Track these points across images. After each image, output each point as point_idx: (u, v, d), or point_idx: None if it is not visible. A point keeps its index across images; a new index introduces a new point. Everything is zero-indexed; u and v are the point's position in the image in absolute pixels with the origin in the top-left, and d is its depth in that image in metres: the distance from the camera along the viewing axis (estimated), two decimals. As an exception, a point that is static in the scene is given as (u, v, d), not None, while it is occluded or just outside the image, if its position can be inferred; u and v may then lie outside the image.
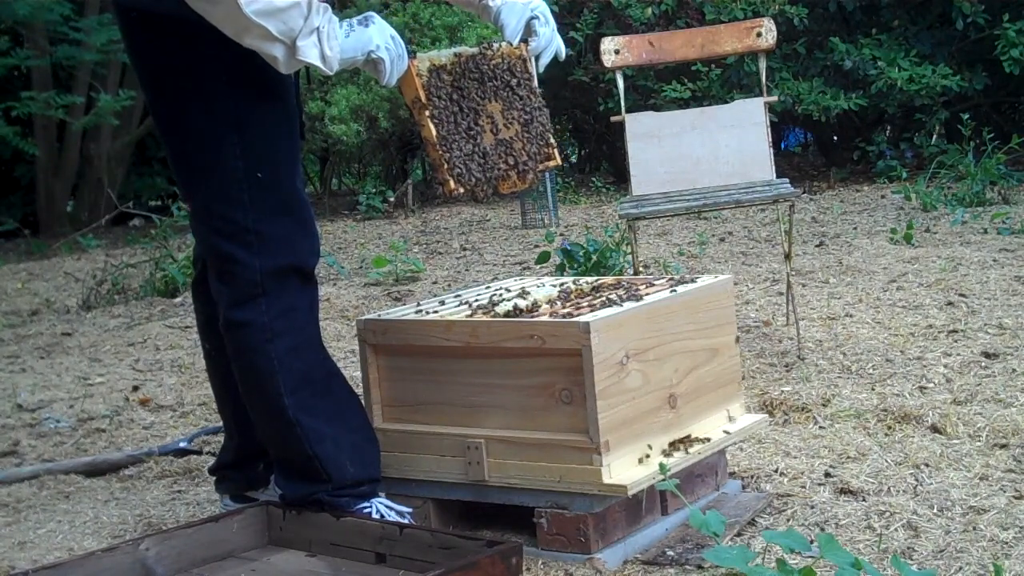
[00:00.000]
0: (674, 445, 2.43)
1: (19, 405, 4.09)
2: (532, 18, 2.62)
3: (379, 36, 2.31)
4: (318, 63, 2.24)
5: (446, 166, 2.43)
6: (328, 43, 2.24)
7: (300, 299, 2.41)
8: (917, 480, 2.58)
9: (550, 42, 2.64)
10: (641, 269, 4.41)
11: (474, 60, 2.54)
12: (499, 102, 2.57)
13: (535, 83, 2.64)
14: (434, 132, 2.42)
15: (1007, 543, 2.22)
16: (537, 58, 2.64)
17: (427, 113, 2.42)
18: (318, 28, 2.22)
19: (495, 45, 2.59)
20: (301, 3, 2.18)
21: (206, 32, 2.27)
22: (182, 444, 3.35)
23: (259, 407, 2.44)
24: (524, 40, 2.62)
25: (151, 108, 2.47)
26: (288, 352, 2.38)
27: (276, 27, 2.17)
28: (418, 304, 2.70)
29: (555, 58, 2.68)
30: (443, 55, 2.50)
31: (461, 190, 2.46)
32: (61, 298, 6.80)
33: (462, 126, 2.48)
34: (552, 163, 2.66)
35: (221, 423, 3.52)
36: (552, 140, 2.67)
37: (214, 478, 2.75)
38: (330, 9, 2.27)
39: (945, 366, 3.43)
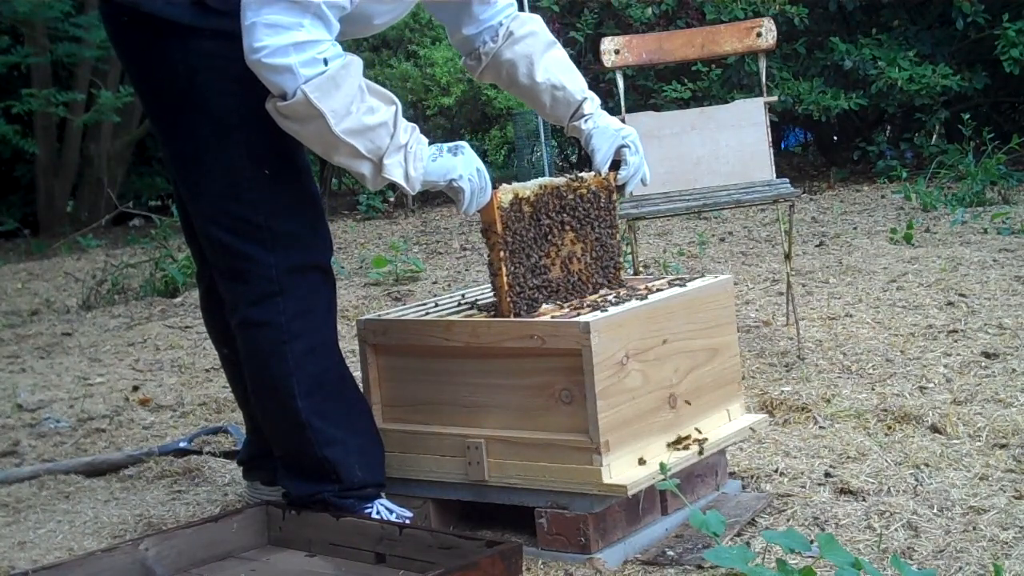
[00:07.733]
0: (674, 445, 2.43)
1: (19, 405, 4.09)
2: (623, 146, 2.62)
3: (464, 167, 2.34)
4: (401, 182, 2.27)
5: (507, 299, 2.41)
6: (413, 163, 2.27)
7: (318, 299, 2.41)
8: (917, 480, 2.58)
9: (638, 170, 2.64)
10: (641, 269, 4.41)
11: (558, 191, 2.51)
12: (574, 232, 2.54)
13: (616, 213, 2.62)
14: (504, 265, 2.40)
15: (1007, 543, 2.22)
16: (622, 187, 2.64)
17: (500, 246, 2.40)
18: (405, 146, 2.25)
19: (583, 176, 2.56)
20: (387, 121, 2.22)
21: (204, 33, 2.27)
22: (182, 444, 3.34)
23: (270, 407, 2.44)
24: (613, 168, 2.61)
25: (149, 112, 2.45)
26: (304, 354, 2.37)
27: (364, 145, 2.21)
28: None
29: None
30: (528, 187, 2.47)
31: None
32: (61, 298, 6.80)
33: (532, 259, 2.45)
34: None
35: (220, 423, 3.55)
36: (620, 271, 2.64)
37: (242, 468, 2.76)
38: (417, 129, 2.29)
39: (945, 366, 3.43)
